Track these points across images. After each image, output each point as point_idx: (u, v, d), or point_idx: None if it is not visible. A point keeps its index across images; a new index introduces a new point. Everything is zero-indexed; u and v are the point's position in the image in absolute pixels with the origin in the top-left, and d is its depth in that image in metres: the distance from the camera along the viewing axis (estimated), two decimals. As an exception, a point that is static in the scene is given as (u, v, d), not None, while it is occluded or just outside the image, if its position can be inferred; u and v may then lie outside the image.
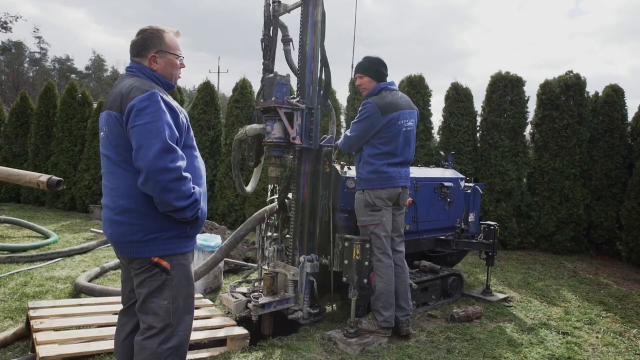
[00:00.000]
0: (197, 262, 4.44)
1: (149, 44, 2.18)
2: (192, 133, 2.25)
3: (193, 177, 2.12)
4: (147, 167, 1.92)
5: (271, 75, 3.62)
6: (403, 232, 3.81)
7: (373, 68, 3.70)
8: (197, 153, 2.27)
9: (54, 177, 3.83)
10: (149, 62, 2.18)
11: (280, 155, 3.70)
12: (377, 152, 3.56)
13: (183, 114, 2.17)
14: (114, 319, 3.26)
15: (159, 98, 2.01)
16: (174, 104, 2.12)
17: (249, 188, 4.04)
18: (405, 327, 3.61)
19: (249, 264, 5.58)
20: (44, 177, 3.82)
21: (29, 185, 3.96)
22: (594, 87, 23.66)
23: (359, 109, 3.63)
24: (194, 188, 2.07)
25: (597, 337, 3.83)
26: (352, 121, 3.69)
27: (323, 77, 3.85)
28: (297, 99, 3.60)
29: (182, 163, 2.00)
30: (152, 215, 2.06)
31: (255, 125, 3.65)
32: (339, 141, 3.92)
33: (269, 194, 4.22)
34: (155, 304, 2.09)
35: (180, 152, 2.01)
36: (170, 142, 1.96)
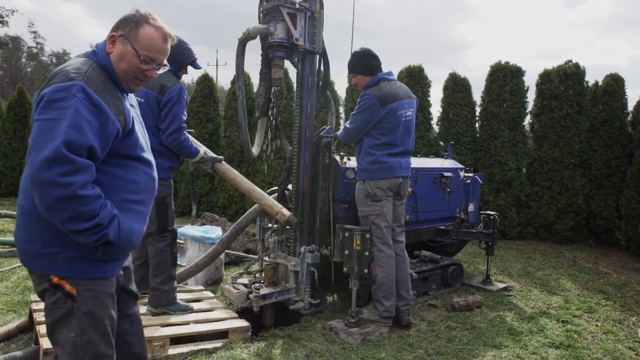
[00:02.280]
0: (198, 254, 4.46)
1: (120, 24, 1.76)
2: (142, 141, 1.84)
3: (126, 191, 1.75)
4: (30, 176, 1.52)
5: None
6: (404, 223, 3.82)
7: (362, 64, 3.69)
8: (145, 165, 1.85)
9: (294, 217, 3.58)
10: (108, 41, 1.75)
11: (283, 57, 3.63)
12: (377, 142, 3.56)
13: (123, 116, 1.71)
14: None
15: (82, 92, 1.57)
16: (111, 103, 1.66)
17: (254, 149, 3.84)
18: (406, 317, 3.63)
19: (250, 255, 5.60)
20: (285, 211, 3.50)
21: (265, 207, 3.58)
22: (593, 77, 23.58)
23: (358, 100, 3.62)
24: (104, 207, 1.61)
25: (596, 325, 3.86)
26: (351, 113, 3.68)
27: (322, 68, 3.84)
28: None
29: (80, 178, 1.53)
30: (51, 225, 1.61)
31: (258, 26, 3.57)
32: (339, 133, 3.91)
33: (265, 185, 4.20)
34: (62, 334, 1.69)
35: (84, 163, 1.55)
36: (66, 151, 1.50)
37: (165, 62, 1.86)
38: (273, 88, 3.74)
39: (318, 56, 3.75)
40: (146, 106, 3.16)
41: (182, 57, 3.38)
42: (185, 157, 3.37)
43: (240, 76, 3.58)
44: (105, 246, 1.66)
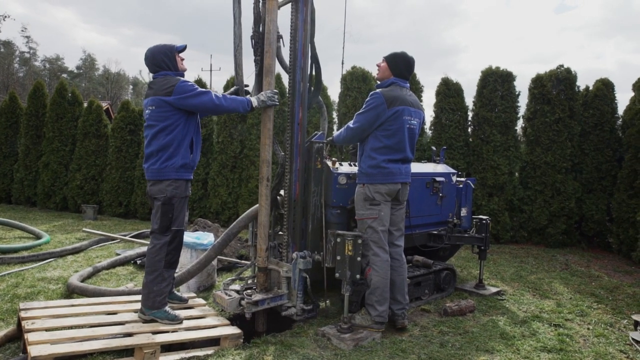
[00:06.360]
0: (191, 260, 4.43)
1: None
2: None
3: None
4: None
5: None
6: (403, 227, 3.82)
7: (394, 59, 3.71)
8: None
9: (260, 272, 3.76)
10: None
11: None
12: (379, 145, 3.56)
13: None
14: (107, 319, 3.26)
15: None
16: None
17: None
18: (400, 320, 3.63)
19: (242, 261, 5.57)
20: (260, 260, 3.76)
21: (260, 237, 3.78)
22: (584, 81, 23.91)
23: (366, 99, 3.62)
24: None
25: (588, 329, 3.87)
26: (357, 112, 3.68)
27: (314, 73, 3.85)
28: None
29: None
30: None
31: None
32: (335, 134, 3.91)
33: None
34: None
35: None
36: None
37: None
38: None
39: (310, 61, 3.76)
40: None
41: None
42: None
43: None
44: None
